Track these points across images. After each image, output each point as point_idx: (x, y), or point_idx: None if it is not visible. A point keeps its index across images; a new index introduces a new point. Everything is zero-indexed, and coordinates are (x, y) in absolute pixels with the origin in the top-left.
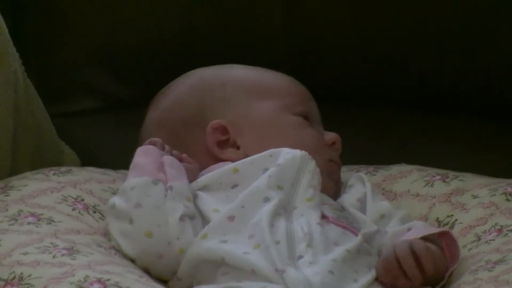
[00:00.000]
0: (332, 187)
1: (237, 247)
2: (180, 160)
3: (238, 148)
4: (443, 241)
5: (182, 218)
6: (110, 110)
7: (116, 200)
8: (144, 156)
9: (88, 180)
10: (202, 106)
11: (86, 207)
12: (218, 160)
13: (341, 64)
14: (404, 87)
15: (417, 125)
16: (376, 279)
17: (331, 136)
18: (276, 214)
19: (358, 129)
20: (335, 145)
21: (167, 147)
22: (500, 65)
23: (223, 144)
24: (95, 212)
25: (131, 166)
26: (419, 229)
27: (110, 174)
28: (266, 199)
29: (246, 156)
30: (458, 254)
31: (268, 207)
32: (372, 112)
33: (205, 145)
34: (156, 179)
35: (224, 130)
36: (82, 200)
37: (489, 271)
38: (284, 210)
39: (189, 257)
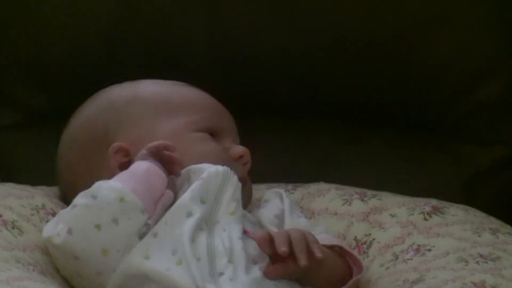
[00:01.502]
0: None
1: (160, 264)
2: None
3: None
4: (346, 254)
5: None
6: (30, 125)
7: (100, 193)
8: (155, 177)
9: (6, 196)
10: (108, 127)
11: (5, 223)
12: None
13: (263, 78)
14: (326, 99)
15: (340, 138)
16: None
17: (237, 150)
18: (198, 229)
19: (280, 143)
20: (243, 159)
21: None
22: (422, 76)
23: (126, 165)
24: (13, 228)
25: (137, 168)
26: (320, 239)
27: (29, 190)
28: (189, 214)
29: None
30: (362, 265)
31: (190, 222)
32: (294, 125)
33: None
34: (146, 209)
35: (125, 151)
36: (1, 216)
37: None
38: (206, 224)
39: (115, 276)
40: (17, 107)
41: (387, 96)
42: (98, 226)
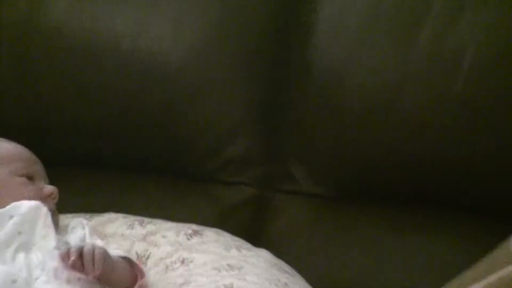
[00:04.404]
0: None
1: None
2: None
3: None
4: (134, 266)
5: None
6: None
7: None
8: None
9: None
10: None
11: None
12: None
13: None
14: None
15: (125, 184)
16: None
17: (48, 189)
18: (18, 251)
19: (72, 187)
20: (53, 195)
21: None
22: (188, 135)
23: None
24: None
25: None
26: (114, 252)
27: None
28: (8, 245)
29: None
30: (144, 272)
31: (9, 251)
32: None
33: None
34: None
35: None
36: None
37: None
38: (25, 247)
39: None
40: None
41: (162, 153)
42: None
